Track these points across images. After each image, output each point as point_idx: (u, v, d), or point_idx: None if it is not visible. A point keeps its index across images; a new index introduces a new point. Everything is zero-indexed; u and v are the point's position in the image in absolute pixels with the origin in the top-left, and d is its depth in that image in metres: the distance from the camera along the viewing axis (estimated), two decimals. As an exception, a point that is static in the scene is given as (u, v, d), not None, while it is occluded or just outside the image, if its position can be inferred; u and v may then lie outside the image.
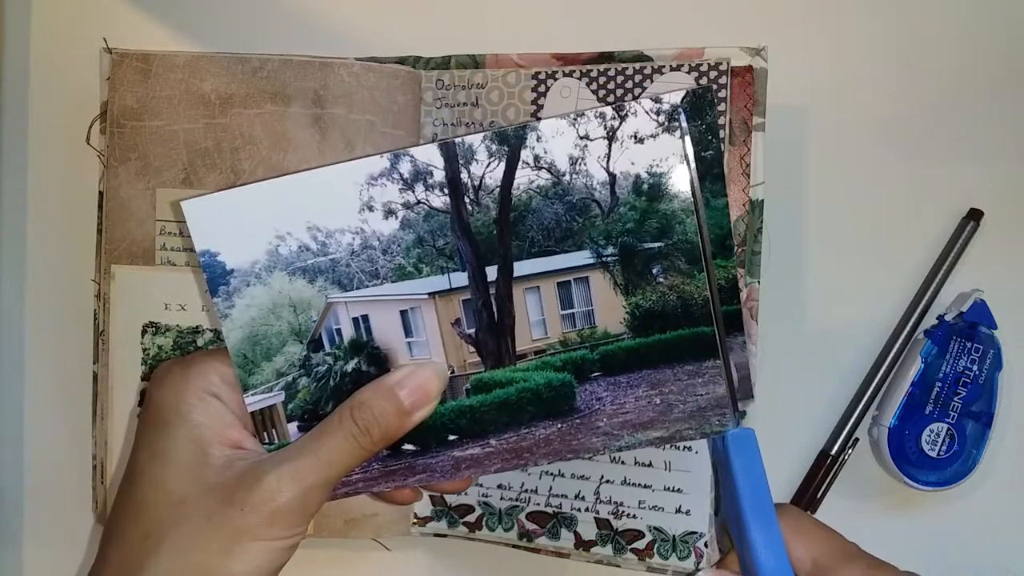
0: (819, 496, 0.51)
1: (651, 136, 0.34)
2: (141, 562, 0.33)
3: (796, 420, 0.52)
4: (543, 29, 0.53)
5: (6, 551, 0.54)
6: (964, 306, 0.49)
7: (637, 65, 0.49)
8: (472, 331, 0.36)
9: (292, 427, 0.36)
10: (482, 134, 0.35)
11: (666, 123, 0.34)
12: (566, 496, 0.50)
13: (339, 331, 0.36)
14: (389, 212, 0.35)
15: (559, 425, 0.36)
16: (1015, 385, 0.50)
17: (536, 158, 0.35)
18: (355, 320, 0.36)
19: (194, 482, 0.34)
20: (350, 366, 0.36)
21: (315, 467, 0.34)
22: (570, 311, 0.36)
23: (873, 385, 0.51)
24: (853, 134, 0.52)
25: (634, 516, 0.49)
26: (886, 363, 0.50)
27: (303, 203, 0.35)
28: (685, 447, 0.49)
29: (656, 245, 0.35)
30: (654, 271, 0.35)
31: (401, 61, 0.51)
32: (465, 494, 0.51)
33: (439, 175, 0.35)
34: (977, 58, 0.51)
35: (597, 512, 0.50)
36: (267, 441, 0.36)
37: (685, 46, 0.49)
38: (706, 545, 0.49)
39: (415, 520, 0.52)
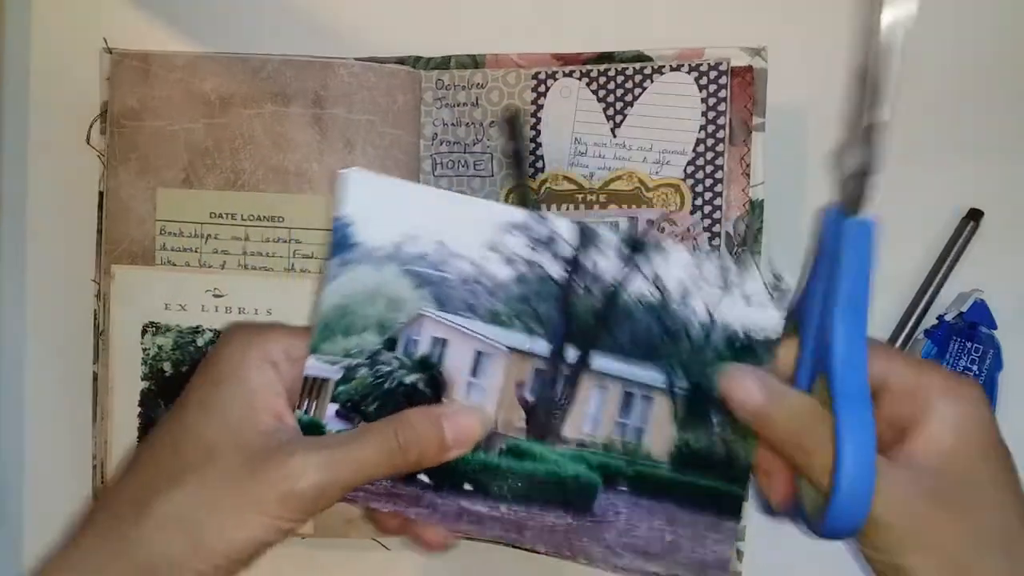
0: (819, 496, 0.51)
1: (759, 304, 0.36)
2: (156, 490, 0.34)
3: (796, 420, 0.52)
4: (543, 29, 0.53)
5: (6, 551, 0.54)
6: (964, 306, 0.49)
7: (637, 65, 0.49)
8: (532, 398, 0.37)
9: (331, 408, 0.37)
10: (615, 235, 0.37)
11: (777, 298, 0.37)
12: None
13: (416, 342, 0.37)
14: (510, 261, 0.36)
15: (569, 520, 0.37)
16: (1015, 385, 0.50)
17: (656, 276, 0.36)
18: (435, 339, 0.37)
19: (230, 438, 0.34)
20: (410, 379, 0.37)
21: (344, 464, 0.34)
22: (624, 420, 0.37)
23: (873, 385, 0.51)
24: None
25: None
26: (886, 363, 0.50)
27: (444, 219, 0.36)
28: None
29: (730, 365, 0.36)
30: (714, 419, 0.36)
31: (401, 61, 0.51)
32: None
33: (568, 250, 0.36)
34: (977, 58, 0.51)
35: (597, 512, 0.50)
36: (304, 410, 0.37)
37: (685, 46, 0.49)
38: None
39: (415, 520, 0.52)
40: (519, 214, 0.36)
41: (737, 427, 0.36)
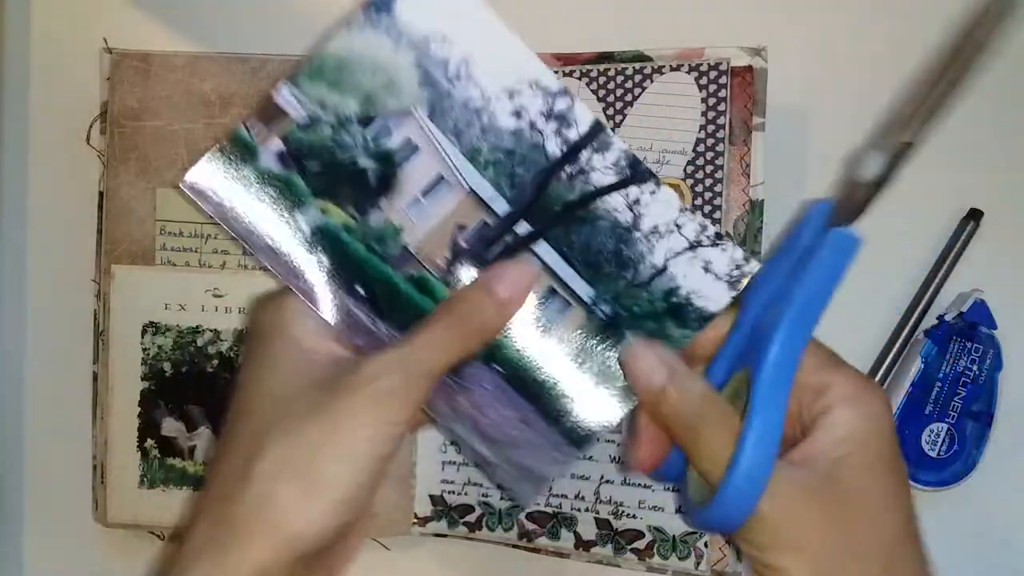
0: (819, 496, 0.51)
1: (715, 275, 0.36)
2: (250, 460, 0.33)
3: (796, 420, 0.52)
4: (543, 29, 0.53)
5: (6, 550, 0.54)
6: (964, 306, 0.49)
7: (637, 65, 0.49)
8: (465, 245, 0.36)
9: (275, 144, 0.35)
10: (623, 148, 0.36)
11: (734, 277, 0.36)
12: (566, 496, 0.50)
13: (390, 133, 0.35)
14: (516, 113, 0.36)
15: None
16: (1015, 385, 0.50)
17: (636, 201, 0.36)
18: (408, 140, 0.35)
19: (298, 381, 0.34)
20: (364, 162, 0.35)
21: (417, 354, 0.34)
22: (536, 309, 0.37)
23: (873, 385, 0.51)
24: (853, 134, 0.52)
25: (634, 516, 0.49)
26: (886, 363, 0.50)
27: (483, 41, 0.35)
28: (685, 447, 0.48)
29: (635, 339, 0.36)
30: (609, 355, 0.37)
31: (401, 61, 0.51)
32: (464, 493, 0.51)
33: (574, 134, 0.36)
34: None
35: (597, 512, 0.50)
36: (250, 130, 0.35)
37: (685, 46, 0.49)
38: (706, 545, 0.49)
39: (415, 520, 0.52)
40: (551, 79, 0.35)
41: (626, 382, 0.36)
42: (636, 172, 0.36)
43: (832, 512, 0.33)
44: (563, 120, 0.36)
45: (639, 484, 0.49)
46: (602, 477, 0.50)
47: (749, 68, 0.48)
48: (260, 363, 0.35)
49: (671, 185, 0.49)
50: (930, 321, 0.50)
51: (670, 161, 0.49)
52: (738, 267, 0.36)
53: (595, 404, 0.36)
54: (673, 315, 0.36)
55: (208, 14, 0.54)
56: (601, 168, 0.36)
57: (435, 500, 0.52)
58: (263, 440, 0.33)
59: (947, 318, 0.50)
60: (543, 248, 0.36)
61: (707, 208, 0.48)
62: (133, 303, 0.50)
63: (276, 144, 0.35)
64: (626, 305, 0.36)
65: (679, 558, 0.49)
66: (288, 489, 0.32)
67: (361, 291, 0.36)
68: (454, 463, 0.51)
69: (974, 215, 0.50)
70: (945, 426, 0.49)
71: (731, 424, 0.33)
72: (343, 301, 0.36)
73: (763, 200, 0.48)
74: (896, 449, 0.35)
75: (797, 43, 0.51)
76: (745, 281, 0.36)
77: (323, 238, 0.36)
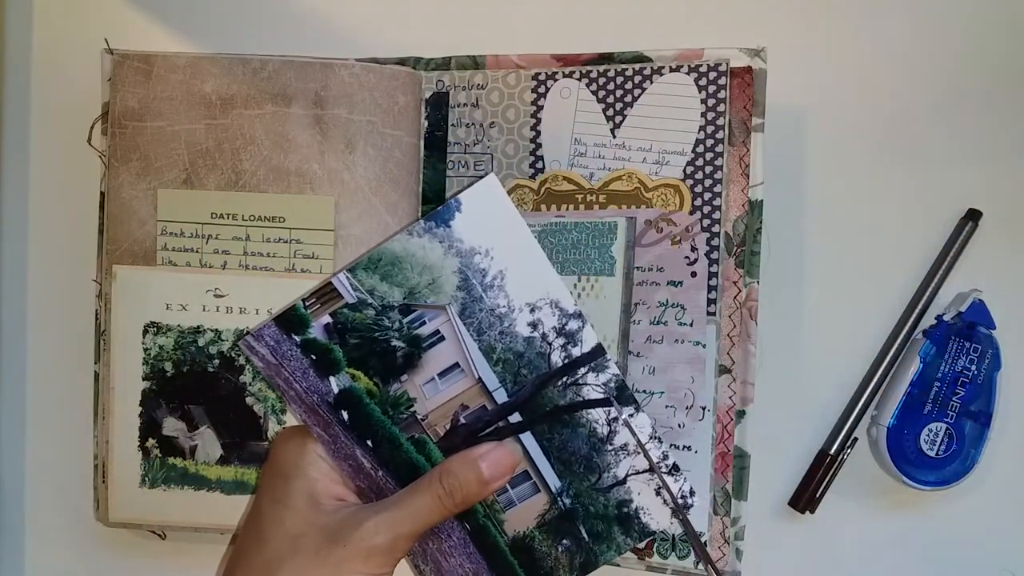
0: (818, 496, 0.51)
1: (664, 500, 0.44)
2: (282, 565, 0.40)
3: (795, 419, 0.52)
4: (543, 30, 0.53)
5: (7, 550, 0.55)
6: (963, 306, 0.49)
7: (637, 66, 0.49)
8: (463, 421, 0.43)
9: (325, 318, 0.42)
10: (615, 372, 0.43)
11: (679, 507, 0.44)
12: (566, 496, 0.50)
13: (423, 323, 0.42)
14: (533, 326, 0.42)
15: None
16: (1013, 385, 0.51)
17: (614, 419, 0.43)
18: (436, 331, 0.42)
19: (307, 523, 0.41)
20: (396, 344, 0.43)
21: (405, 519, 0.41)
22: (509, 491, 0.44)
23: (872, 385, 0.51)
24: (852, 134, 0.52)
25: (634, 516, 0.50)
26: (885, 363, 0.50)
27: (519, 260, 0.42)
28: (684, 447, 0.49)
29: (584, 537, 0.43)
30: (563, 543, 0.44)
31: (402, 62, 0.51)
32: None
33: (576, 351, 0.42)
34: (975, 58, 0.52)
35: (597, 512, 0.50)
36: (307, 306, 0.42)
37: (685, 47, 0.49)
38: (706, 544, 0.49)
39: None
40: (569, 301, 0.42)
41: (569, 563, 0.44)
42: (621, 395, 0.43)
43: None
44: (571, 338, 0.42)
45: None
46: (602, 477, 0.50)
47: (748, 69, 0.48)
48: (278, 498, 0.42)
49: (670, 185, 0.49)
50: (929, 321, 0.50)
51: (669, 161, 0.49)
52: (683, 498, 0.43)
53: None
54: (621, 523, 0.43)
55: (209, 16, 0.54)
56: (593, 384, 0.42)
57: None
58: (279, 568, 0.40)
59: (946, 318, 0.50)
60: (528, 438, 0.43)
61: (706, 208, 0.48)
62: (134, 303, 0.50)
63: (325, 319, 0.42)
64: (584, 503, 0.43)
65: (678, 557, 0.49)
66: None
67: (370, 444, 0.43)
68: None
69: (973, 215, 0.50)
70: (944, 426, 0.49)
71: None
72: (354, 450, 0.43)
73: (762, 200, 0.48)
74: None
75: (796, 44, 0.51)
76: (688, 514, 0.43)
77: (348, 398, 0.43)
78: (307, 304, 0.42)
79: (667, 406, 0.48)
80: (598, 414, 0.43)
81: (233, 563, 0.43)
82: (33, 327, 0.55)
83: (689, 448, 0.49)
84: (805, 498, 0.51)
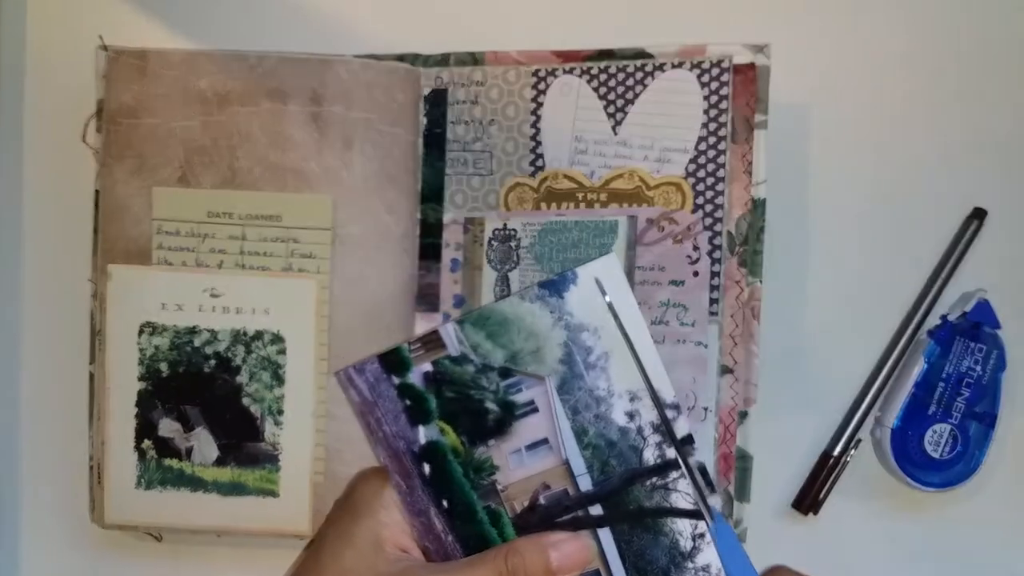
0: (821, 497, 0.51)
1: None
2: None
3: (798, 420, 0.52)
4: (543, 26, 0.53)
5: (3, 552, 0.54)
6: (968, 306, 0.49)
7: (638, 62, 0.49)
8: (543, 502, 0.41)
9: (425, 366, 0.41)
10: (702, 478, 0.41)
11: None
12: (566, 497, 0.50)
13: (520, 389, 0.41)
14: (630, 416, 0.40)
15: None
16: (1019, 385, 0.50)
17: (701, 535, 0.40)
18: (530, 400, 0.41)
19: (366, 565, 0.40)
20: (488, 405, 0.41)
21: None
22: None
23: (876, 385, 0.50)
24: (856, 132, 0.52)
25: (635, 518, 0.49)
26: (889, 363, 0.50)
27: (625, 346, 0.40)
28: (686, 448, 0.48)
29: None
30: None
31: (400, 58, 0.51)
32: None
33: (670, 451, 0.40)
34: (981, 55, 0.51)
35: (598, 514, 0.50)
36: (411, 350, 0.41)
37: (687, 43, 0.48)
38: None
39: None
40: (669, 392, 0.40)
41: None
42: (709, 509, 0.41)
43: None
44: (665, 433, 0.40)
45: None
46: (603, 478, 0.50)
47: (751, 66, 0.48)
48: (341, 534, 0.41)
49: (672, 183, 0.48)
50: (933, 321, 0.50)
51: (672, 159, 0.48)
52: None
53: None
54: None
55: (204, 11, 0.53)
56: (683, 492, 0.40)
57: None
58: None
59: (951, 318, 0.49)
60: (605, 535, 0.41)
61: (709, 207, 0.48)
62: (130, 303, 0.50)
63: (427, 366, 0.41)
64: None
65: (680, 560, 0.49)
66: None
67: (445, 504, 0.41)
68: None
69: (978, 214, 0.50)
70: (948, 427, 0.49)
71: None
72: (428, 507, 0.41)
73: (765, 199, 0.48)
74: None
75: (800, 41, 0.51)
76: None
77: (434, 452, 0.41)
78: (412, 348, 0.41)
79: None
80: (683, 525, 0.40)
81: None
82: (27, 327, 0.54)
83: (691, 449, 0.48)
84: (808, 499, 0.51)
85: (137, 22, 0.53)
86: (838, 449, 0.50)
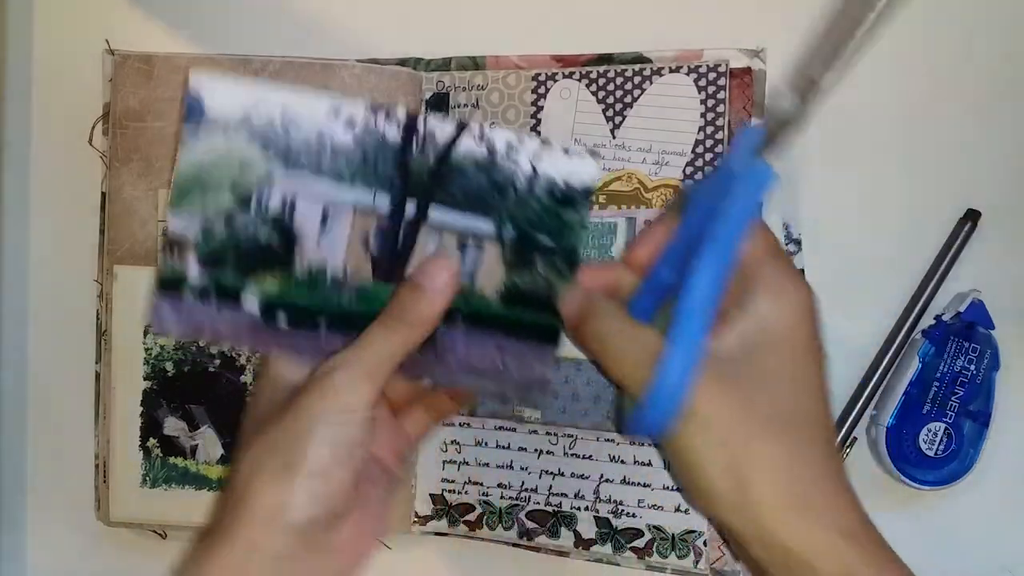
0: (817, 495, 0.51)
1: (577, 155, 0.40)
2: (238, 460, 0.38)
3: (795, 419, 0.52)
4: (543, 31, 0.53)
5: (9, 549, 0.55)
6: (962, 306, 0.49)
7: (636, 67, 0.49)
8: (376, 249, 0.41)
9: (193, 264, 0.40)
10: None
11: (591, 150, 0.40)
12: (566, 495, 0.50)
13: (268, 202, 0.40)
14: (350, 124, 0.40)
15: (416, 355, 0.40)
16: (1012, 385, 0.51)
17: (481, 134, 0.40)
18: (284, 198, 0.40)
19: (275, 400, 0.39)
20: (263, 236, 0.40)
21: (362, 353, 0.38)
22: (465, 265, 0.41)
23: (871, 385, 0.51)
24: (850, 134, 0.52)
25: (633, 515, 0.50)
26: (884, 363, 0.51)
27: (287, 97, 0.40)
28: (684, 446, 0.49)
29: (547, 242, 0.41)
30: (537, 261, 0.41)
31: (402, 63, 0.51)
32: (465, 492, 0.51)
33: (401, 114, 0.40)
34: (975, 58, 0.52)
35: (597, 511, 0.50)
36: (169, 264, 0.40)
37: (684, 48, 0.49)
38: (705, 544, 0.49)
39: (416, 519, 0.52)
40: (345, 99, 0.40)
41: (555, 270, 0.41)
42: (464, 125, 0.40)
43: (739, 391, 0.36)
44: (389, 108, 0.40)
45: (638, 483, 0.50)
46: (602, 476, 0.50)
47: (748, 70, 0.49)
48: (251, 403, 0.41)
49: (670, 186, 0.49)
50: (928, 321, 0.51)
51: (669, 162, 0.49)
52: (593, 152, 0.41)
53: (542, 310, 0.41)
54: (563, 204, 0.40)
55: (210, 16, 0.54)
56: (439, 126, 0.40)
57: (435, 499, 0.52)
58: (248, 441, 0.38)
59: (945, 318, 0.50)
60: (435, 215, 0.41)
61: (706, 209, 0.49)
62: (135, 303, 0.50)
63: (193, 263, 0.40)
64: (522, 219, 0.41)
65: (678, 556, 0.49)
66: (264, 472, 0.36)
67: (323, 324, 0.41)
68: (454, 462, 0.52)
69: (972, 215, 0.50)
70: (943, 425, 0.49)
71: (648, 349, 0.36)
72: (313, 341, 0.41)
73: (760, 201, 0.48)
74: (813, 340, 0.37)
75: (796, 45, 0.51)
76: (597, 157, 0.41)
77: (272, 305, 0.41)
78: (168, 262, 0.40)
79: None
80: (467, 143, 0.40)
81: (246, 422, 0.41)
82: (34, 327, 0.55)
83: (689, 448, 0.49)
84: (804, 498, 0.51)
85: (143, 27, 0.54)
86: (834, 448, 0.51)
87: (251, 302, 0.41)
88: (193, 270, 0.40)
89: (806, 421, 0.36)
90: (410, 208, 0.41)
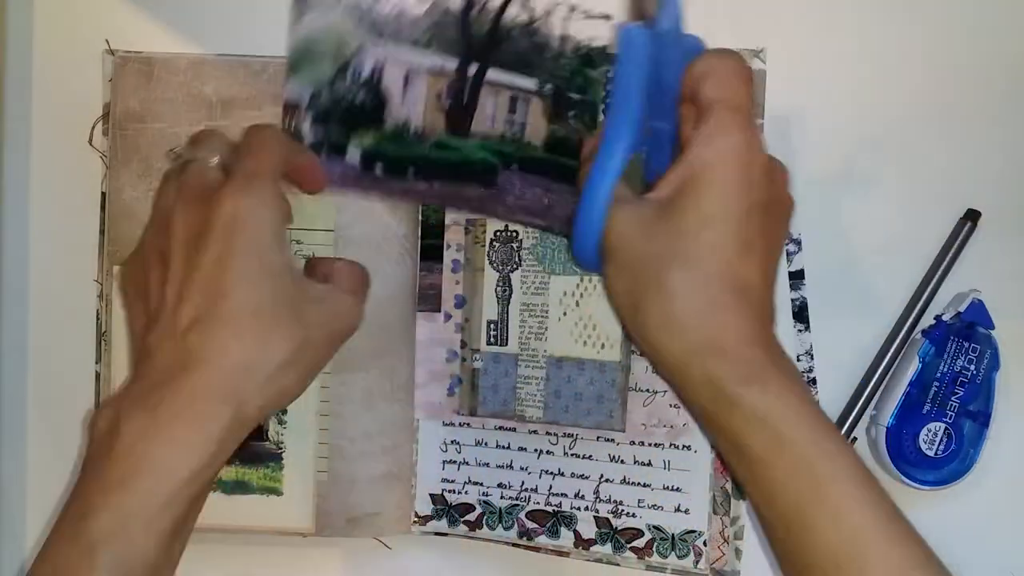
0: (817, 495, 0.51)
1: (596, 17, 0.48)
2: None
3: (795, 420, 0.52)
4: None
5: (9, 551, 0.55)
6: (961, 306, 0.49)
7: (636, 67, 0.49)
8: (447, 105, 0.49)
9: (308, 118, 0.49)
10: None
11: (606, 15, 0.48)
12: (566, 495, 0.50)
13: (360, 68, 0.48)
14: None
15: (481, 190, 0.49)
16: (1012, 384, 0.51)
17: (524, 0, 0.48)
18: (374, 66, 0.48)
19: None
20: (359, 98, 0.48)
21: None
22: (511, 117, 0.49)
23: (871, 385, 0.51)
24: (851, 134, 0.52)
25: (633, 515, 0.50)
26: (884, 363, 0.51)
27: None
28: (684, 446, 0.49)
29: (577, 96, 0.48)
30: (570, 114, 0.48)
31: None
32: (465, 492, 0.51)
33: None
34: (975, 59, 0.52)
35: (597, 511, 0.50)
36: (287, 124, 0.49)
37: (684, 48, 0.49)
38: (705, 544, 0.49)
39: (416, 519, 0.52)
40: None
41: (582, 121, 0.49)
42: None
43: (653, 227, 0.40)
44: None
45: (638, 483, 0.50)
46: (602, 476, 0.50)
47: (747, 70, 0.49)
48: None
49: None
50: (928, 321, 0.51)
51: (669, 162, 0.49)
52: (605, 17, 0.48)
53: (576, 156, 0.48)
54: (586, 63, 0.48)
55: (210, 17, 0.54)
56: None
57: (435, 499, 0.52)
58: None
59: (945, 318, 0.50)
60: (492, 74, 0.48)
61: (706, 209, 0.49)
62: (135, 304, 0.50)
63: (307, 122, 0.49)
64: (558, 76, 0.48)
65: (678, 556, 0.49)
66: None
67: (410, 171, 0.49)
68: (454, 462, 0.52)
69: (972, 215, 0.50)
70: (943, 425, 0.49)
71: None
72: (403, 185, 0.49)
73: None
74: (739, 181, 0.40)
75: (796, 45, 0.51)
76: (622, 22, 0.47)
77: (370, 156, 0.49)
78: (289, 123, 0.49)
79: (672, 405, 0.49)
80: (513, 10, 0.47)
81: None
82: (34, 328, 0.55)
83: (688, 448, 0.49)
84: (804, 498, 0.51)
85: (143, 27, 0.54)
86: (834, 448, 0.51)
87: (353, 154, 0.48)
88: (308, 123, 0.48)
89: (712, 255, 0.39)
90: (472, 68, 0.48)
